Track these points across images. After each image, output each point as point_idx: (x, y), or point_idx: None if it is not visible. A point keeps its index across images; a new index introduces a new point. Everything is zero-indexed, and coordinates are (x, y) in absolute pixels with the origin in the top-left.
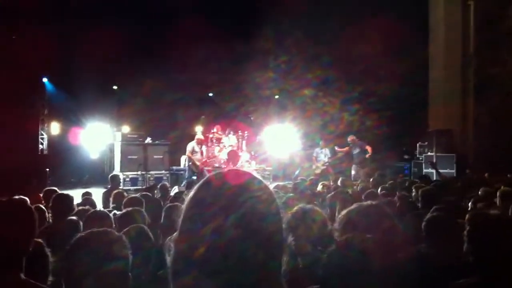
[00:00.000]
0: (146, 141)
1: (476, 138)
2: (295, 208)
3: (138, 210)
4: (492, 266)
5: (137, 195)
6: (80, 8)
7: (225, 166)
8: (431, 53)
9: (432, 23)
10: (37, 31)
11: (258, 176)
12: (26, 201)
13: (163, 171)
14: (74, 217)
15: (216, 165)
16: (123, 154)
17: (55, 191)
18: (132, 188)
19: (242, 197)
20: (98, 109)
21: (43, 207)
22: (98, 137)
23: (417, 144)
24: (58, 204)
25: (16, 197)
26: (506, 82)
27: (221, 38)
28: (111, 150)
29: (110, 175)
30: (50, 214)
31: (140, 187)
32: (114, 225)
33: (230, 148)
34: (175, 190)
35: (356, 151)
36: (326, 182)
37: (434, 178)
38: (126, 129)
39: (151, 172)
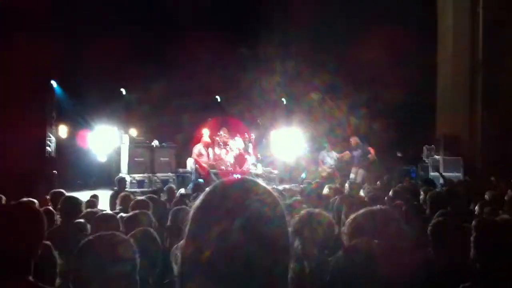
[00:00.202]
0: (153, 144)
1: (484, 144)
2: (302, 211)
3: (145, 213)
4: (499, 273)
5: (144, 197)
6: (89, 13)
7: (232, 169)
8: (439, 60)
9: (440, 30)
10: (46, 35)
11: (263, 183)
12: (35, 205)
13: (169, 173)
14: (81, 220)
15: (223, 167)
16: (131, 156)
17: (62, 193)
18: (138, 190)
19: (247, 201)
20: (106, 112)
21: (52, 210)
22: (105, 140)
23: (424, 147)
24: (66, 206)
25: (25, 199)
26: None
27: (228, 43)
28: (118, 153)
29: (116, 178)
30: (58, 216)
31: (147, 189)
32: (121, 228)
33: (236, 151)
34: (181, 192)
35: (357, 153)
36: (332, 186)
37: (440, 182)
38: (133, 132)
39: (158, 175)
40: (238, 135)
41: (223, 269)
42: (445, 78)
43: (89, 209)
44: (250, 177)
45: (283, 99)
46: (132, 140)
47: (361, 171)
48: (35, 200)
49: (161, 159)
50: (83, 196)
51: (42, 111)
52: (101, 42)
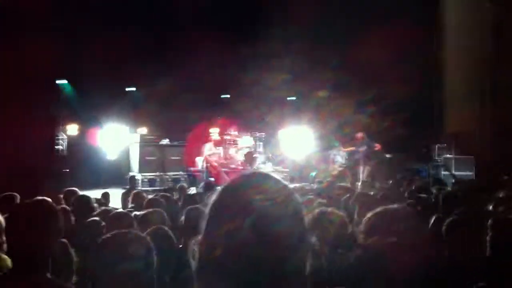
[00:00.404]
0: (163, 142)
1: (495, 141)
2: (315, 210)
3: (158, 211)
4: None
5: (157, 196)
6: (96, 11)
7: (242, 167)
8: (447, 56)
9: (448, 25)
10: (54, 34)
11: (277, 177)
12: (51, 203)
13: (180, 172)
14: (96, 218)
15: (233, 166)
16: (142, 155)
17: (76, 191)
18: (150, 189)
19: (256, 200)
20: (115, 110)
21: (68, 208)
22: (116, 139)
23: (436, 146)
24: (79, 205)
25: (39, 198)
26: None
27: (235, 41)
28: (128, 151)
29: (128, 176)
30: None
31: (158, 188)
32: (134, 226)
33: (246, 149)
34: (192, 191)
35: (363, 148)
36: (343, 184)
37: (452, 181)
38: (143, 130)
39: (169, 173)
40: (247, 133)
41: (231, 266)
42: (454, 73)
43: (103, 207)
44: (262, 172)
45: (291, 98)
46: (142, 139)
47: (367, 168)
48: (48, 199)
49: (172, 157)
50: (94, 194)
51: (48, 110)
52: (109, 41)
